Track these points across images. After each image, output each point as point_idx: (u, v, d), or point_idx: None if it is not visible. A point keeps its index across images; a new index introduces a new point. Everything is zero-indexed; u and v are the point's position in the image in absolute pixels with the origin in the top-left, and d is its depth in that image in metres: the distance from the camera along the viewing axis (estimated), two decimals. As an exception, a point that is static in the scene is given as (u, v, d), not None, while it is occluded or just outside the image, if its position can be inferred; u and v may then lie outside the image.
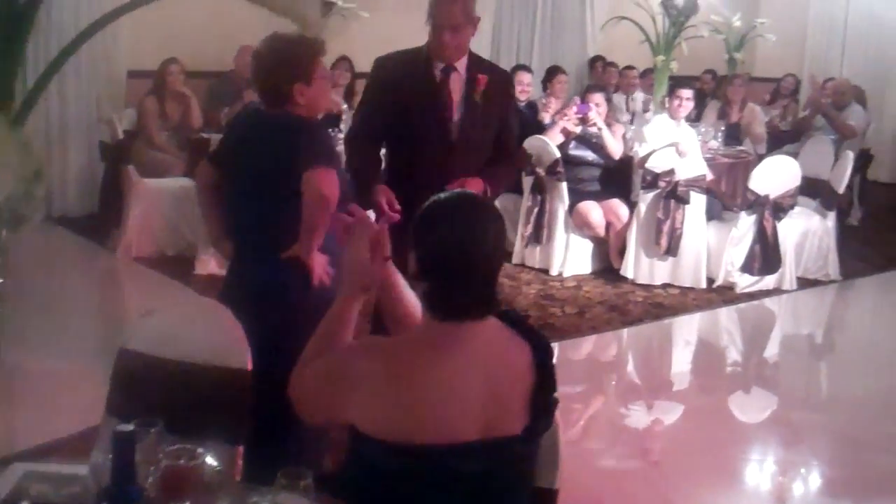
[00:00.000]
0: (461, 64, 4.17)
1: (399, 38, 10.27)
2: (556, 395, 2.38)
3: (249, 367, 2.95)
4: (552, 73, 9.79)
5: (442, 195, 2.34)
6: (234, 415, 2.88)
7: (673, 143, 7.48)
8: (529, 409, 2.27)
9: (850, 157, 8.14)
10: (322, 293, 3.28)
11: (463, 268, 2.22)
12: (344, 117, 8.03)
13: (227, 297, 3.50)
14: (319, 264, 3.45)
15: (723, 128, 8.88)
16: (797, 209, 7.78)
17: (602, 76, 11.12)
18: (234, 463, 2.79)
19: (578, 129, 7.76)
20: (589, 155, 7.79)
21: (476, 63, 4.23)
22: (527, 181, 7.98)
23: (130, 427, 1.99)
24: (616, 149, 7.83)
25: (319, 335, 2.45)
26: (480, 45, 11.08)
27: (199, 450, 2.19)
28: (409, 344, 2.30)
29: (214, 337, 3.01)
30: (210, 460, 2.30)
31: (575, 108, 7.71)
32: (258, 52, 3.58)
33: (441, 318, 2.24)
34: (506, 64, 10.68)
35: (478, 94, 4.14)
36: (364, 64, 9.50)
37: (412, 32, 10.64)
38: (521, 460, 2.31)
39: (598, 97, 7.85)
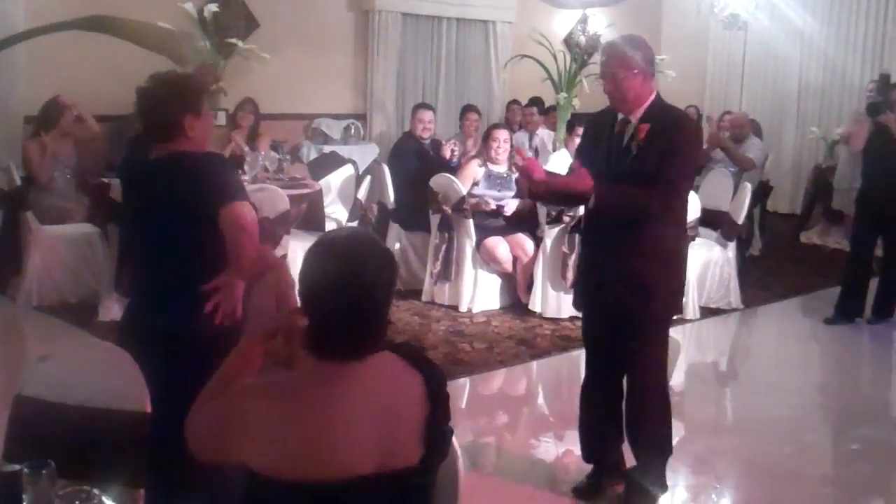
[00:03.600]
0: (636, 115, 4.32)
1: (301, 79, 10.35)
2: (451, 424, 2.37)
3: (148, 409, 2.92)
4: (463, 111, 9.92)
5: (330, 234, 2.36)
6: (134, 458, 2.84)
7: (575, 177, 7.57)
8: (425, 439, 2.27)
9: (748, 188, 8.31)
10: (231, 333, 3.26)
11: (339, 306, 2.22)
12: (248, 159, 7.97)
13: (128, 339, 3.46)
14: (230, 300, 3.41)
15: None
16: (698, 240, 7.93)
17: (513, 116, 11.27)
18: (134, 506, 2.75)
19: (481, 172, 7.82)
20: (493, 197, 7.87)
21: (652, 112, 4.32)
22: (434, 219, 8.03)
23: (17, 467, 1.96)
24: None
25: (220, 375, 2.44)
26: (385, 83, 11.17)
27: (95, 491, 2.15)
28: (299, 381, 2.29)
29: (112, 380, 2.98)
30: (108, 502, 2.26)
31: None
32: (144, 88, 3.56)
33: (317, 356, 2.25)
34: (410, 101, 10.78)
35: (636, 142, 4.27)
36: (268, 105, 9.55)
37: (314, 73, 10.69)
38: (418, 492, 2.31)
39: (504, 133, 7.93)
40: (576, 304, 4.91)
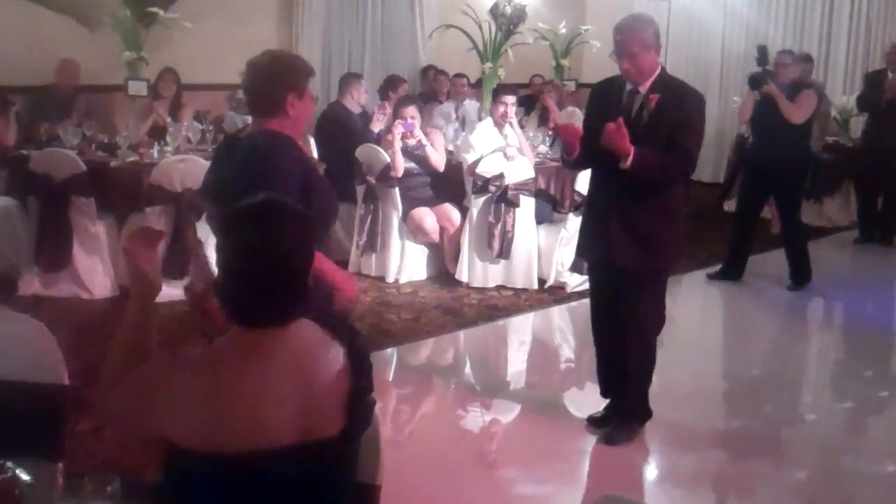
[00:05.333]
0: (645, 86, 4.76)
1: (224, 49, 10.20)
2: (373, 395, 2.37)
3: (65, 381, 2.88)
4: (392, 82, 9.86)
5: (245, 201, 2.33)
6: (51, 430, 2.80)
7: (500, 147, 7.61)
8: (347, 410, 2.27)
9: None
10: None
11: (255, 274, 2.21)
12: (171, 130, 7.86)
13: None
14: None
15: (549, 132, 9.03)
16: (623, 209, 7.99)
17: (434, 84, 11.26)
18: (53, 479, 2.71)
19: (399, 146, 7.77)
20: (414, 168, 7.86)
21: (659, 83, 4.77)
22: (359, 190, 8.01)
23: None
24: (439, 161, 7.92)
25: (122, 346, 2.40)
26: (311, 53, 11.05)
27: (9, 464, 2.12)
28: (219, 353, 2.27)
29: (25, 352, 2.92)
30: (22, 475, 2.23)
31: (400, 129, 7.72)
32: (256, 62, 3.63)
33: (237, 324, 2.23)
34: (337, 72, 10.68)
35: (647, 111, 4.71)
36: (191, 75, 9.40)
37: (237, 42, 10.52)
38: (339, 461, 2.31)
39: (411, 110, 7.87)
40: (578, 253, 5.48)
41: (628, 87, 4.82)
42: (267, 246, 2.21)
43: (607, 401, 5.32)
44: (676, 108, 4.71)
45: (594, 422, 5.30)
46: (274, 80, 3.58)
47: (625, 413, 5.19)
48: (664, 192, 4.84)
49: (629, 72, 4.75)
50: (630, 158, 4.54)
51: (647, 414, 5.20)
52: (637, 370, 5.09)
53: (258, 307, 2.23)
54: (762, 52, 8.05)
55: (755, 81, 7.94)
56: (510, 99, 7.82)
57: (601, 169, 4.92)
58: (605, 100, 4.90)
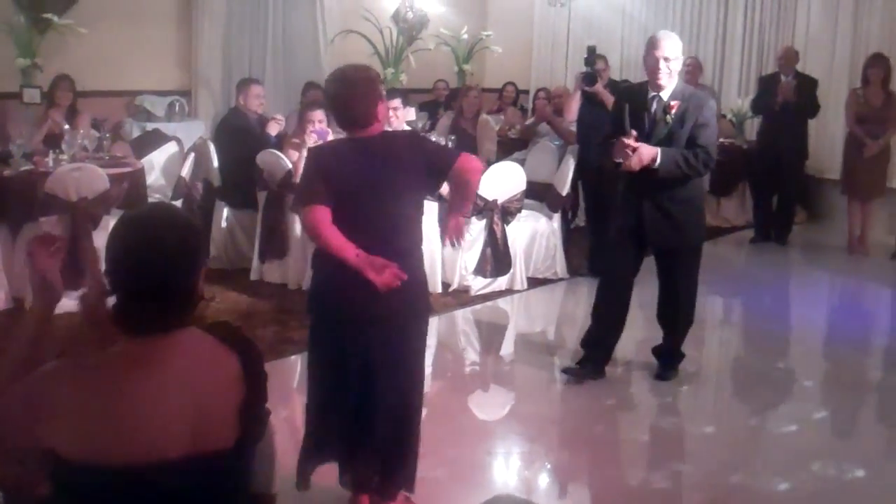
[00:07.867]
0: (666, 92, 5.65)
1: (121, 55, 10.03)
2: (266, 405, 2.35)
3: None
4: (306, 88, 9.82)
5: (132, 211, 2.32)
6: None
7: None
8: (240, 421, 2.25)
9: (572, 161, 8.49)
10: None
11: (134, 282, 2.20)
12: (66, 138, 7.70)
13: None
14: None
15: (453, 137, 9.06)
16: (525, 212, 8.07)
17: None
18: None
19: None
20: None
21: (678, 92, 5.66)
22: (260, 196, 7.94)
23: None
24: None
25: (15, 356, 2.35)
26: (210, 59, 10.94)
27: None
28: (106, 363, 2.23)
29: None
30: None
31: (314, 136, 7.65)
32: (337, 89, 3.96)
33: (121, 332, 2.21)
34: (236, 77, 10.56)
35: (669, 115, 5.60)
36: (88, 82, 9.23)
37: (134, 48, 10.34)
38: (233, 473, 2.29)
39: (319, 114, 7.81)
40: (612, 232, 6.18)
41: (650, 93, 5.68)
42: (146, 254, 2.20)
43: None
44: (696, 111, 5.59)
45: (570, 371, 6.12)
46: (366, 98, 3.92)
47: (670, 357, 6.23)
48: (688, 182, 5.71)
49: (659, 72, 5.57)
50: (658, 160, 5.47)
51: (683, 356, 6.26)
52: (683, 327, 6.15)
53: (139, 316, 2.20)
54: (591, 53, 8.16)
55: (591, 80, 8.07)
56: (394, 102, 7.81)
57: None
58: (631, 103, 5.76)
